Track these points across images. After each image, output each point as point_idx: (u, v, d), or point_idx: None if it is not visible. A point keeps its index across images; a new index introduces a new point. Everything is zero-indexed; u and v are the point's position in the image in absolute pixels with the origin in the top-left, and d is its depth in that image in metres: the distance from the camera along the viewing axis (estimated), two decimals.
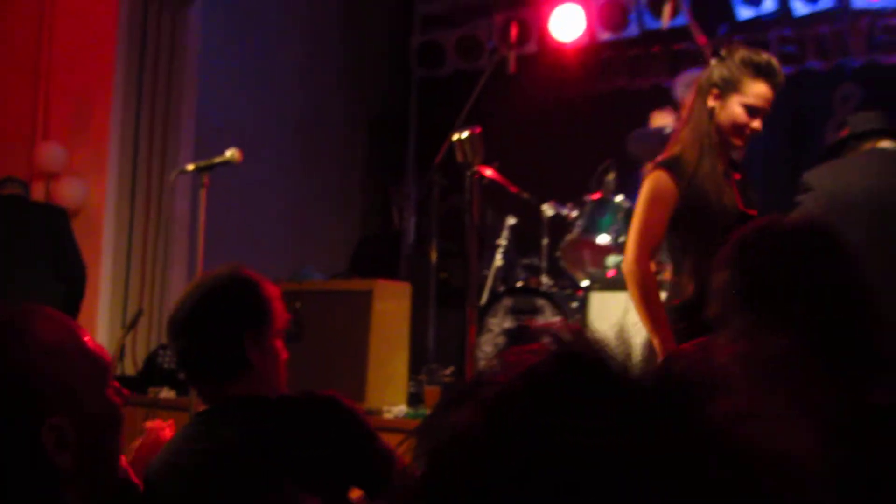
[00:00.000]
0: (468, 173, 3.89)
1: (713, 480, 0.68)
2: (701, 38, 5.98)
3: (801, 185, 4.26)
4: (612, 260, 5.64)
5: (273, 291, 2.41)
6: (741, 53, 3.55)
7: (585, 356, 0.73)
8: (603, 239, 5.71)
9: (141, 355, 6.31)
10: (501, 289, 5.95)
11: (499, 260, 6.20)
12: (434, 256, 6.27)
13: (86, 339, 1.57)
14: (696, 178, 3.45)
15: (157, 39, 6.92)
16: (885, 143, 4.24)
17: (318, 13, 8.49)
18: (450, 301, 6.37)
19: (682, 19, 6.76)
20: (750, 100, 3.43)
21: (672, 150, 3.52)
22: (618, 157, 5.95)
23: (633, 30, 7.61)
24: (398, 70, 8.95)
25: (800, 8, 7.13)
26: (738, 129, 3.51)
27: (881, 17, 7.06)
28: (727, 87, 3.55)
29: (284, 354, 2.43)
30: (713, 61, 3.65)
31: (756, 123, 3.53)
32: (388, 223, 8.12)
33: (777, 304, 1.88)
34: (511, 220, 6.25)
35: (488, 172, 5.26)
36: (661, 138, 5.56)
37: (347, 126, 8.79)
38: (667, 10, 6.74)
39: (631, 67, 7.98)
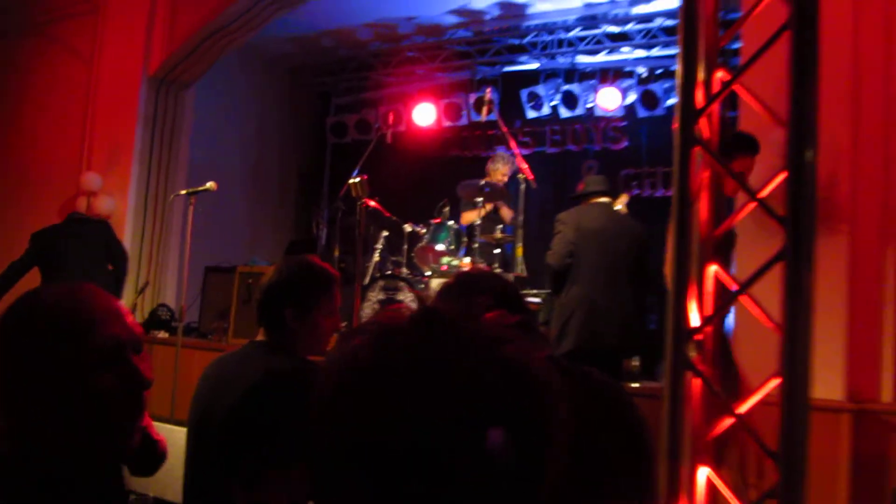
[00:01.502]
0: (358, 204, 4.38)
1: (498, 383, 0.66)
2: (504, 128, 6.71)
3: (558, 220, 4.36)
4: (445, 259, 5.75)
5: (325, 279, 2.12)
6: None
7: (433, 311, 0.69)
8: (440, 247, 5.83)
9: (147, 310, 6.39)
10: (378, 275, 5.94)
11: (376, 257, 6.25)
12: (337, 253, 6.31)
13: (127, 315, 1.26)
14: None
15: (164, 107, 6.90)
16: (602, 199, 4.44)
17: (268, 99, 8.64)
18: (345, 282, 6.39)
19: (494, 115, 7.06)
20: None
21: None
22: (451, 197, 6.22)
23: (464, 120, 7.92)
24: (318, 138, 9.01)
25: (564, 113, 7.51)
26: None
27: (612, 121, 7.43)
28: None
29: (328, 326, 2.10)
30: None
31: None
32: (309, 232, 8.00)
33: None
34: (385, 233, 6.30)
35: (372, 203, 5.48)
36: (478, 187, 6.27)
37: (285, 171, 8.95)
38: (484, 109, 6.98)
39: (462, 143, 8.21)
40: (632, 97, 7.33)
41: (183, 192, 5.18)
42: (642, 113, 7.20)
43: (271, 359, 2.03)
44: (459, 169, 7.43)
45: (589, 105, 7.49)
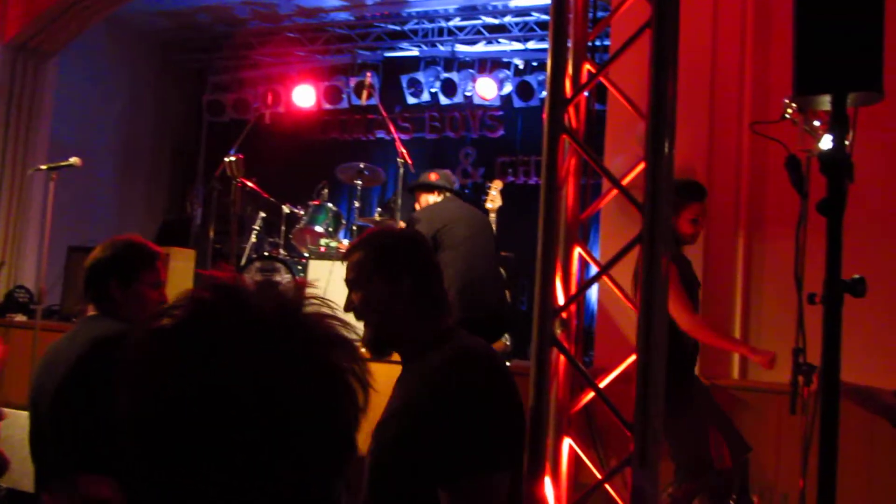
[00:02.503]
0: (234, 183, 4.30)
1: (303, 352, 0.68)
2: (384, 113, 6.68)
3: (413, 220, 4.38)
4: (323, 241, 5.68)
5: (148, 254, 2.23)
6: None
7: (235, 291, 0.69)
8: (319, 228, 5.75)
9: (3, 291, 6.08)
10: (254, 255, 5.90)
11: (254, 238, 6.16)
12: (212, 233, 6.03)
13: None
14: None
15: (23, 77, 6.52)
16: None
17: (140, 74, 8.25)
18: (221, 263, 5.80)
19: (374, 100, 6.92)
20: None
21: None
22: (330, 179, 6.18)
23: (344, 103, 7.81)
24: (194, 116, 8.72)
25: (443, 100, 7.58)
26: None
27: (489, 110, 7.59)
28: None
29: (152, 297, 2.18)
30: None
31: None
32: (183, 211, 7.81)
33: None
34: (262, 214, 6.21)
35: (249, 184, 5.44)
36: (358, 170, 6.29)
37: (159, 149, 8.58)
38: (364, 93, 6.84)
39: (342, 126, 8.12)
40: (508, 87, 7.52)
41: (43, 167, 4.90)
42: (518, 103, 7.38)
43: (97, 327, 2.08)
44: (339, 152, 7.44)
45: (467, 93, 7.59)
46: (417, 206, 4.55)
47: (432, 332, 1.74)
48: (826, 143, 1.91)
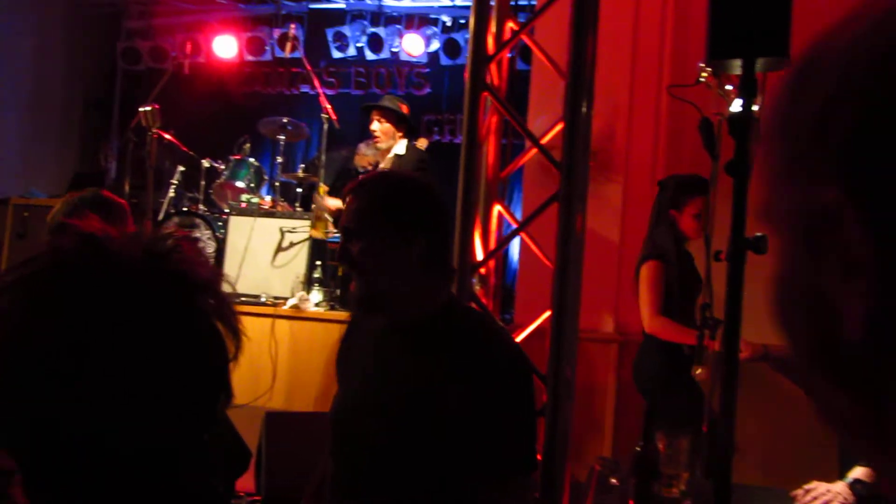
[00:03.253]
0: (149, 135, 4.17)
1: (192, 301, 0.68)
2: (308, 66, 6.57)
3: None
4: (245, 196, 5.54)
5: (117, 209, 2.21)
6: None
7: (97, 240, 0.68)
8: (240, 184, 5.65)
9: None
10: (172, 211, 5.74)
11: (172, 192, 5.95)
12: (127, 187, 5.93)
13: None
14: None
15: None
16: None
17: (47, 19, 7.74)
18: (136, 218, 5.98)
19: (298, 53, 6.89)
20: None
21: None
22: (252, 134, 6.02)
23: (268, 55, 7.57)
24: (108, 64, 8.33)
25: (369, 55, 7.44)
26: None
27: (416, 66, 7.49)
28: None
29: None
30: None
31: None
32: (97, 164, 7.56)
33: None
34: (181, 168, 6.01)
35: (167, 136, 5.26)
36: (281, 124, 6.16)
37: (70, 98, 8.10)
38: (288, 46, 6.77)
39: (265, 79, 7.88)
40: (435, 45, 7.44)
41: None
42: (445, 61, 7.31)
43: None
44: (262, 105, 7.21)
45: (394, 49, 7.49)
46: (379, 137, 4.49)
47: (440, 301, 1.58)
48: (737, 106, 1.98)
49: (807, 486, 2.15)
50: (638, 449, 1.87)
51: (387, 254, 1.54)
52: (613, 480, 1.88)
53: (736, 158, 1.88)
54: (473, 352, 1.50)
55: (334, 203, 4.81)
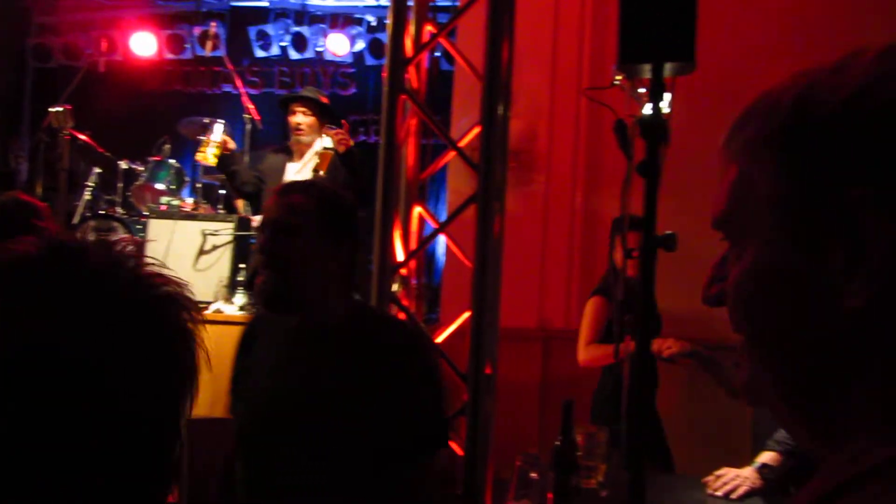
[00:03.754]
0: (61, 136, 4.03)
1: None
2: (230, 65, 6.47)
3: None
4: (165, 199, 5.43)
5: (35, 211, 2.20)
6: None
7: (64, 245, 0.67)
8: (160, 186, 5.53)
9: None
10: (88, 214, 5.49)
11: (88, 195, 5.66)
12: (39, 189, 5.66)
13: None
14: None
15: None
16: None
17: None
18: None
19: (220, 51, 6.77)
20: None
21: None
22: (172, 134, 5.88)
23: (188, 54, 7.41)
24: (17, 61, 7.98)
25: (293, 55, 7.35)
26: None
27: (341, 66, 7.43)
28: None
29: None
30: None
31: None
32: (6, 165, 7.18)
33: None
34: (97, 170, 5.75)
35: (82, 137, 5.06)
36: (202, 125, 6.00)
37: None
38: (209, 44, 6.66)
39: (185, 78, 7.71)
40: (361, 44, 7.41)
41: None
42: (370, 61, 7.29)
43: None
44: (182, 105, 7.03)
45: (319, 49, 7.42)
46: (304, 130, 4.36)
47: (351, 303, 1.67)
48: (649, 109, 2.05)
49: (717, 473, 2.25)
50: (557, 443, 1.92)
51: (319, 255, 1.58)
52: (533, 475, 1.92)
53: (647, 159, 1.95)
54: (387, 348, 1.58)
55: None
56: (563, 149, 4.51)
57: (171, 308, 0.70)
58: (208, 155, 4.47)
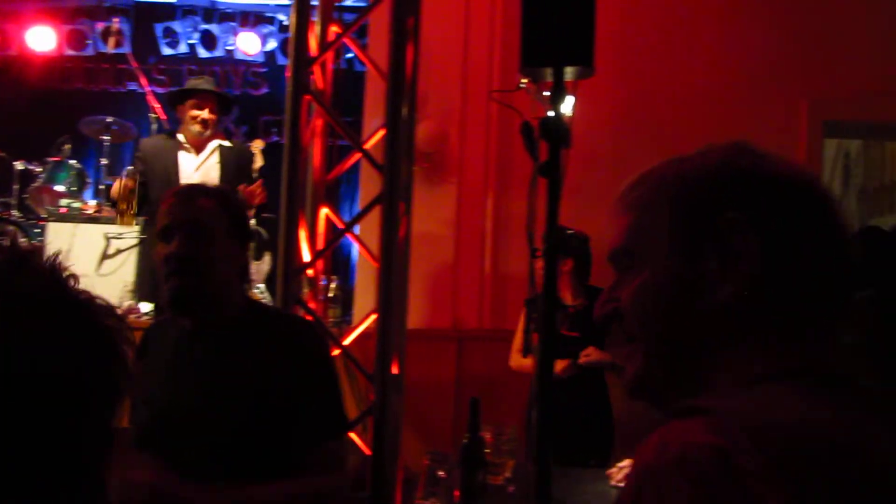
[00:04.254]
0: None
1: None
2: (134, 63, 6.26)
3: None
4: (65, 201, 5.27)
5: None
6: None
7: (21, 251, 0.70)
8: (59, 188, 5.36)
9: None
10: None
11: None
12: None
13: None
14: None
15: None
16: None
17: None
18: None
19: (124, 49, 6.59)
20: None
21: None
22: (73, 133, 5.69)
23: (90, 50, 7.14)
24: None
25: (203, 53, 7.19)
26: None
27: (252, 66, 7.30)
28: None
29: None
30: None
31: None
32: None
33: None
34: None
35: None
36: (105, 124, 5.81)
37: None
38: (112, 41, 6.46)
39: (87, 75, 7.42)
40: (273, 44, 7.31)
41: None
42: (283, 60, 7.18)
43: None
44: (84, 103, 6.75)
45: (229, 47, 7.28)
46: (209, 126, 4.22)
47: (246, 299, 1.71)
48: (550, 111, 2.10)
49: (620, 465, 2.32)
50: (465, 440, 1.95)
51: (228, 257, 1.64)
52: (441, 473, 1.94)
53: (548, 160, 2.00)
54: (278, 341, 1.63)
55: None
56: (475, 150, 4.57)
57: (103, 315, 0.72)
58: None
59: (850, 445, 0.61)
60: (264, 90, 7.41)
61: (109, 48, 6.80)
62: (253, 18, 7.34)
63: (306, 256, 2.02)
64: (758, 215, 0.73)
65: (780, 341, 0.72)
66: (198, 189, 1.71)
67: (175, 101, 4.30)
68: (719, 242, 0.73)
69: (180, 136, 4.30)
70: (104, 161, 5.65)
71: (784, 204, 0.73)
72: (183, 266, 1.60)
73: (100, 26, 7.06)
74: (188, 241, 1.61)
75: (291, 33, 1.97)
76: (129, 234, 4.83)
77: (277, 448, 1.57)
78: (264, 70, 7.39)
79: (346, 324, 4.39)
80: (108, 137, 5.67)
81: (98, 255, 4.80)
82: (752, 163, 0.76)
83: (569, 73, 2.07)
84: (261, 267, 4.98)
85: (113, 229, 4.82)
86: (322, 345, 1.70)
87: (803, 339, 0.72)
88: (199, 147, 4.29)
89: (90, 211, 5.26)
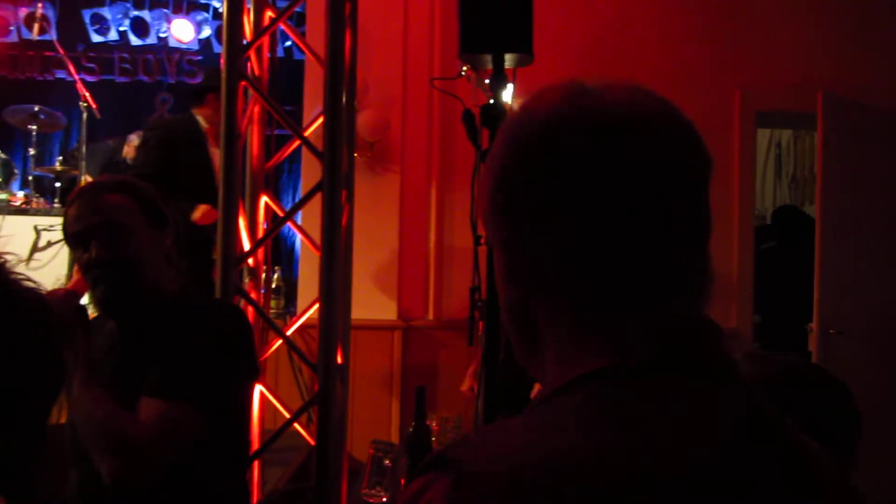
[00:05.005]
0: None
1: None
2: (61, 51, 6.04)
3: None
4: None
5: None
6: None
7: None
8: None
9: None
10: None
11: None
12: None
13: None
14: None
15: None
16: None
17: None
18: None
19: (50, 35, 6.21)
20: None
21: None
22: None
23: (14, 36, 6.95)
24: None
25: (134, 40, 7.08)
26: None
27: (187, 53, 7.19)
28: None
29: None
30: None
31: None
32: None
33: None
34: None
35: None
36: (32, 113, 5.60)
37: None
38: (36, 27, 6.10)
39: (12, 63, 7.15)
40: (207, 31, 7.18)
41: None
42: (218, 48, 7.06)
43: None
44: (9, 92, 6.54)
45: (162, 34, 7.15)
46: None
47: (177, 288, 1.64)
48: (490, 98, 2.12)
49: None
50: (410, 429, 1.95)
51: (151, 248, 1.58)
52: (387, 462, 1.95)
53: (489, 148, 2.00)
54: (195, 311, 1.60)
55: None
56: (418, 138, 4.57)
57: (46, 315, 0.77)
58: None
59: (607, 481, 0.53)
60: (200, 78, 7.26)
61: (34, 35, 6.49)
62: (186, 5, 7.20)
63: (247, 246, 1.99)
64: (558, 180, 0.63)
65: (594, 332, 0.62)
66: (102, 186, 1.62)
67: (211, 91, 3.99)
68: (502, 242, 0.66)
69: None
70: (32, 151, 5.48)
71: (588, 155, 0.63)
72: (107, 272, 1.53)
73: (23, 12, 6.84)
74: (107, 244, 1.54)
75: (224, 18, 1.93)
76: (61, 225, 4.67)
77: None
78: (199, 58, 7.26)
79: (290, 314, 4.37)
80: (35, 127, 5.49)
81: (28, 248, 4.64)
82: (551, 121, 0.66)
83: (508, 60, 2.08)
84: None
85: (44, 221, 4.68)
86: (229, 323, 1.61)
87: (623, 326, 0.62)
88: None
89: (18, 203, 5.08)
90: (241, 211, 1.96)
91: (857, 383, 1.26)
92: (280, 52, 6.39)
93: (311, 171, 4.24)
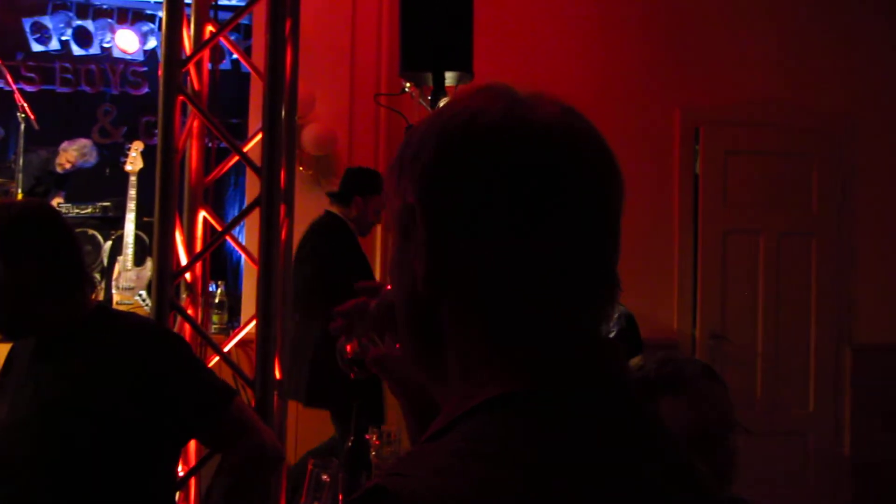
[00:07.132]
0: None
1: None
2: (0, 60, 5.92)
3: None
4: None
5: None
6: None
7: None
8: None
9: None
10: None
11: None
12: None
13: None
14: None
15: None
16: None
17: None
18: None
19: None
20: None
21: None
22: None
23: None
24: None
25: (77, 50, 6.88)
26: None
27: (132, 64, 7.01)
28: None
29: None
30: None
31: None
32: None
33: None
34: None
35: None
36: None
37: None
38: None
39: None
40: (153, 42, 7.06)
41: None
42: None
43: None
44: None
45: (106, 45, 7.00)
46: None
47: (80, 310, 1.61)
48: None
49: None
50: (349, 444, 1.94)
51: (16, 286, 1.55)
52: (325, 477, 1.93)
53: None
54: (117, 346, 1.58)
55: None
56: (364, 153, 4.59)
57: None
58: None
59: None
60: (145, 90, 7.13)
61: None
62: (131, 15, 7.08)
63: (184, 261, 1.97)
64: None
65: (498, 352, 0.61)
66: None
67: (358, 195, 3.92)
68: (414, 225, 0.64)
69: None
70: None
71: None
72: None
73: None
74: None
75: (163, 31, 1.92)
76: None
77: (112, 460, 1.53)
78: (144, 69, 7.13)
79: (233, 329, 4.31)
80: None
81: None
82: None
83: (449, 77, 2.11)
84: (142, 273, 4.82)
85: None
86: (163, 340, 1.65)
87: (525, 346, 0.61)
88: None
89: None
90: (178, 225, 1.95)
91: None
92: (227, 64, 6.35)
93: (254, 186, 4.22)
